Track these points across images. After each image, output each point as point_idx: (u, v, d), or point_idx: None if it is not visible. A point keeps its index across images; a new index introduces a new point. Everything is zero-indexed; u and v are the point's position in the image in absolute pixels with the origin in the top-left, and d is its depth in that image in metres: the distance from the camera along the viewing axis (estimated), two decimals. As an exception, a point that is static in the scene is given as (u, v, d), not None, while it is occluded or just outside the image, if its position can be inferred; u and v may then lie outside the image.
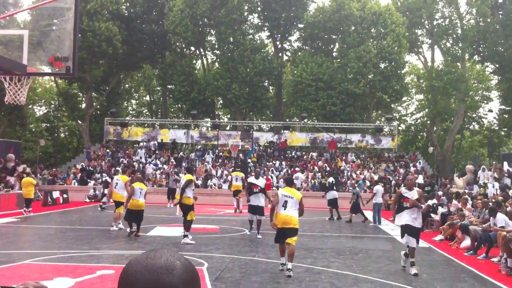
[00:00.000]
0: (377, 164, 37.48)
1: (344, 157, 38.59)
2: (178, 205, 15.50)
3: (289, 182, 11.45)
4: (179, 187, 17.49)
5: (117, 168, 29.91)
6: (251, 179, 16.94)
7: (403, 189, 11.44)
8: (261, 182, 16.59)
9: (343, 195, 31.72)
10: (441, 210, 19.12)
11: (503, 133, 51.09)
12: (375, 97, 46.02)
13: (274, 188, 29.52)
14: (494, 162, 42.67)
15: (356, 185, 27.20)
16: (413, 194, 10.95)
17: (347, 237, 16.87)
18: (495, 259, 12.35)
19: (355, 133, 42.42)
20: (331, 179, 24.43)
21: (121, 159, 37.20)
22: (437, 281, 10.10)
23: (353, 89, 42.62)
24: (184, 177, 15.30)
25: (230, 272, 10.36)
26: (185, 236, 14.29)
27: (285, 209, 10.54)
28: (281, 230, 10.58)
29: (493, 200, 15.92)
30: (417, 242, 10.99)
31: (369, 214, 22.48)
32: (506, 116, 48.54)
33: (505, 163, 27.45)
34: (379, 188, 22.06)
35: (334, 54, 48.37)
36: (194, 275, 1.32)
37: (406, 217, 10.95)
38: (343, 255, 13.05)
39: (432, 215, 19.33)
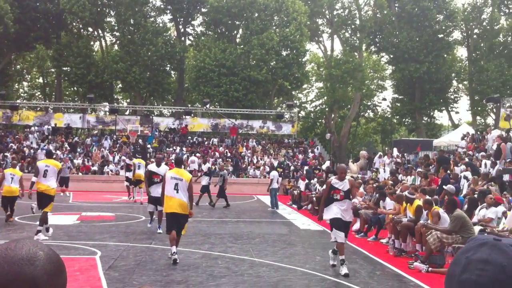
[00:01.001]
0: (277, 150, 38.12)
1: (245, 143, 38.86)
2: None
3: (178, 163, 10.90)
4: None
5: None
6: (152, 167, 14.75)
7: (333, 179, 10.02)
8: (162, 170, 13.86)
9: (244, 180, 32.04)
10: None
11: (395, 120, 53.92)
12: (276, 84, 46.70)
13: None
14: (386, 148, 44.94)
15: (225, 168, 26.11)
16: (344, 185, 9.68)
17: (245, 222, 16.94)
18: (383, 241, 12.89)
19: (257, 120, 42.84)
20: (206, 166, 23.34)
21: (11, 144, 34.97)
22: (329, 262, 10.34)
23: (255, 75, 42.92)
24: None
25: (125, 261, 10.05)
26: (39, 231, 12.24)
27: (177, 192, 10.01)
28: (173, 215, 10.11)
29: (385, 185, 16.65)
30: (346, 237, 9.88)
31: (267, 199, 22.81)
32: (398, 104, 51.23)
33: (395, 149, 28.97)
34: (275, 173, 22.38)
35: (238, 40, 48.41)
36: (59, 265, 1.21)
37: (335, 210, 9.68)
38: (241, 240, 13.07)
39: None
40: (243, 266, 9.73)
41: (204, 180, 21.84)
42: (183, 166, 11.15)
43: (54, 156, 15.16)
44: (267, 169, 33.13)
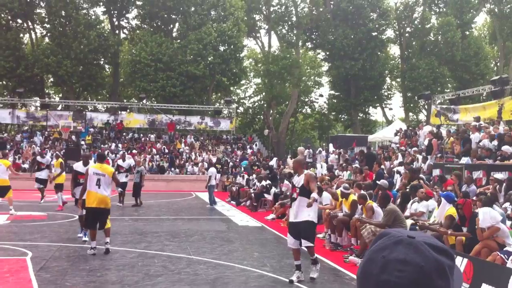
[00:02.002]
0: (215, 146, 37.98)
1: (183, 139, 38.48)
2: None
3: (101, 158, 11.12)
4: None
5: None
6: (77, 166, 12.52)
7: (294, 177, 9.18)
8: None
9: (182, 177, 31.74)
10: (273, 190, 19.86)
11: (332, 116, 54.91)
12: (214, 79, 46.46)
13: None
14: (323, 144, 45.72)
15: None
16: (300, 180, 8.66)
17: (183, 220, 16.76)
18: (320, 235, 13.07)
19: (195, 115, 42.52)
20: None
21: None
22: (267, 258, 10.40)
23: (193, 70, 42.51)
24: None
25: (57, 261, 9.75)
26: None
27: (99, 187, 10.34)
28: (92, 210, 10.41)
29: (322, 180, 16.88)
30: (307, 238, 8.65)
31: (205, 196, 22.66)
32: (335, 101, 52.21)
33: (331, 145, 29.52)
34: (213, 170, 22.28)
35: (174, 34, 47.78)
36: None
37: (291, 213, 8.87)
38: (178, 237, 12.92)
39: (266, 195, 20.00)
40: (180, 264, 9.64)
41: (123, 178, 19.82)
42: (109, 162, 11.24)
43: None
44: (206, 165, 32.96)
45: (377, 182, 14.29)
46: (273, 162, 29.93)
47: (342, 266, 9.81)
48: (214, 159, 32.99)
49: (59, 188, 18.25)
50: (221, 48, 44.94)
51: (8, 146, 31.23)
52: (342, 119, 53.14)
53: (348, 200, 11.90)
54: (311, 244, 8.63)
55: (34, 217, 16.30)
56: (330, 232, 12.13)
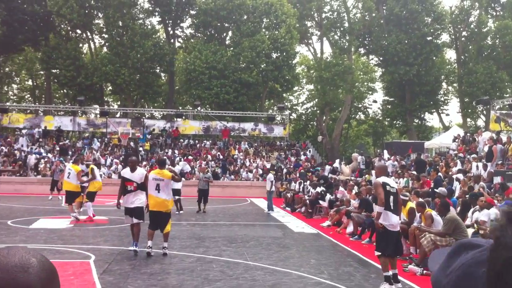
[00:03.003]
0: (269, 152, 38.15)
1: (237, 146, 38.86)
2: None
3: (161, 164, 11.65)
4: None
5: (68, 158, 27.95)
6: (125, 172, 11.84)
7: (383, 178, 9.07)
8: (137, 175, 11.44)
9: (237, 183, 32.01)
10: (328, 196, 19.79)
11: (386, 123, 54.16)
12: (267, 86, 46.77)
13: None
14: (378, 151, 45.11)
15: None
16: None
17: (239, 225, 16.91)
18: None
19: (248, 122, 42.89)
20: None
21: (1, 147, 34.72)
22: (324, 265, 10.37)
23: (246, 78, 42.96)
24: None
25: (119, 264, 9.98)
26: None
27: (158, 192, 10.85)
28: (153, 213, 10.93)
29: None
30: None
31: (260, 202, 22.79)
32: (389, 106, 51.46)
33: (385, 151, 29.10)
34: (271, 176, 22.37)
35: (228, 42, 48.40)
36: (52, 272, 1.19)
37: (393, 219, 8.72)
38: (235, 243, 13.05)
39: (321, 201, 19.95)
40: (238, 270, 9.71)
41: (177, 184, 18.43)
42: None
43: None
44: (260, 171, 33.17)
45: (435, 190, 14.02)
46: (327, 171, 29.71)
47: (402, 275, 9.66)
48: (268, 165, 33.15)
49: (89, 197, 17.15)
50: (274, 55, 45.21)
51: (70, 152, 32.39)
52: (397, 125, 52.31)
53: (406, 208, 11.73)
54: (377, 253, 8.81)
55: (96, 221, 16.80)
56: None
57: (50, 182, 26.89)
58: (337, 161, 31.68)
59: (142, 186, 11.29)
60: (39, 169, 31.48)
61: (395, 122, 51.87)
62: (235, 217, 19.45)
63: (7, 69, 54.19)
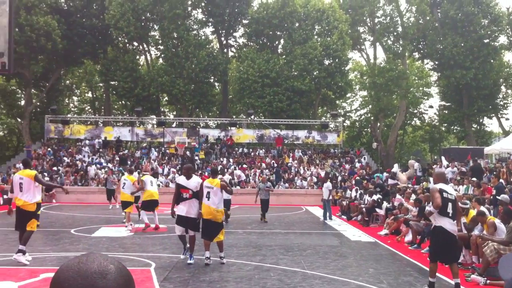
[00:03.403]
0: (323, 160, 37.97)
1: (291, 154, 38.89)
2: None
3: (214, 173, 11.71)
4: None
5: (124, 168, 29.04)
6: (180, 180, 11.51)
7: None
8: (193, 183, 11.20)
9: (292, 191, 32.00)
10: (385, 204, 19.51)
11: (443, 128, 52.84)
12: (320, 93, 46.63)
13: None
14: (435, 157, 44.08)
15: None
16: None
17: (295, 234, 16.92)
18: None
19: (302, 130, 42.87)
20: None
21: (64, 157, 36.09)
22: (383, 275, 10.24)
23: (299, 85, 43.00)
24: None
25: (179, 272, 10.16)
26: (20, 251, 11.06)
27: (208, 200, 10.86)
28: (206, 221, 10.95)
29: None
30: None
31: (315, 210, 22.67)
32: (446, 112, 50.21)
33: (443, 158, 28.40)
34: (329, 184, 22.26)
35: (280, 50, 48.61)
36: (129, 278, 1.27)
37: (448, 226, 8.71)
38: (292, 251, 13.06)
39: (377, 209, 19.70)
40: (296, 279, 9.70)
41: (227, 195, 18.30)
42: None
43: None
44: (314, 179, 33.05)
45: (497, 197, 13.60)
46: (383, 178, 29.24)
47: (464, 285, 9.44)
48: (322, 173, 33.01)
49: (146, 207, 17.31)
50: (326, 62, 45.05)
51: (129, 162, 33.28)
52: (454, 131, 50.95)
53: (468, 216, 11.43)
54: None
55: (151, 229, 17.13)
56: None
57: (106, 192, 27.79)
58: (396, 165, 31.18)
59: (197, 195, 11.06)
60: (100, 179, 32.50)
61: (452, 127, 50.53)
62: (291, 226, 19.46)
63: (67, 81, 56.27)
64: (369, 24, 50.86)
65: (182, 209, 11.16)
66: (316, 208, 27.19)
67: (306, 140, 42.18)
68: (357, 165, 36.79)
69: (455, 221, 8.56)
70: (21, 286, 8.84)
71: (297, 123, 42.87)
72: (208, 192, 10.80)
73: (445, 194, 8.41)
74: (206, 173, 29.26)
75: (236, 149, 40.06)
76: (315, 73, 44.27)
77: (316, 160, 37.90)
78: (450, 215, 8.39)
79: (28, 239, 11.09)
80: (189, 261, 11.07)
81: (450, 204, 8.38)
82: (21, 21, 37.52)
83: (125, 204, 17.23)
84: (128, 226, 17.00)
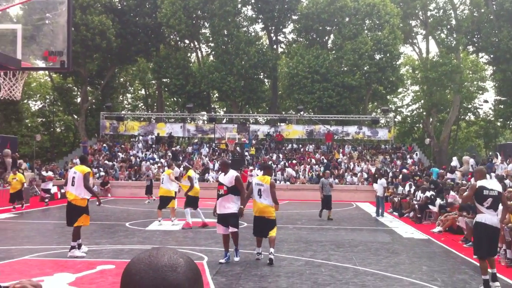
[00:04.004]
0: (374, 156, 37.55)
1: (341, 150, 38.64)
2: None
3: (264, 169, 11.54)
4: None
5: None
6: (219, 176, 11.32)
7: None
8: (227, 178, 10.78)
9: (342, 187, 31.83)
10: (438, 201, 19.17)
11: (499, 123, 51.23)
12: (370, 88, 46.07)
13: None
14: (490, 153, 42.82)
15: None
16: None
17: (346, 230, 16.87)
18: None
19: (352, 125, 42.49)
20: None
21: (118, 153, 37.12)
22: (437, 272, 10.11)
23: (349, 81, 42.62)
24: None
25: (230, 266, 10.33)
26: (73, 247, 11.31)
27: (260, 197, 10.78)
28: (257, 219, 10.91)
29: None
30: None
31: (366, 206, 22.48)
32: (502, 106, 48.67)
33: (498, 154, 27.58)
34: (383, 181, 22.01)
35: (329, 46, 48.28)
36: (197, 272, 1.31)
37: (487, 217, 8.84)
38: (343, 247, 13.05)
39: (430, 206, 19.38)
40: (347, 275, 9.71)
41: None
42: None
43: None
44: (365, 175, 32.76)
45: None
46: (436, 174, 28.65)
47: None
48: (373, 169, 32.67)
49: (189, 203, 16.49)
50: (377, 57, 44.41)
51: (180, 158, 33.89)
52: (510, 126, 49.28)
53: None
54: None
55: (207, 223, 17.38)
56: (505, 247, 11.42)
57: (145, 187, 28.29)
58: (454, 158, 30.49)
59: (234, 190, 10.62)
60: (152, 174, 33.26)
61: (508, 122, 48.89)
62: (341, 221, 19.40)
63: (121, 79, 57.70)
64: (421, 17, 49.79)
65: (219, 207, 10.83)
66: (367, 204, 26.96)
67: (356, 135, 41.81)
68: (409, 161, 36.19)
69: (496, 213, 8.58)
70: (79, 277, 9.16)
71: (347, 119, 42.52)
72: (259, 190, 10.73)
73: (485, 192, 8.51)
74: (253, 168, 29.46)
75: (286, 144, 40.14)
76: (365, 68, 43.75)
77: (367, 156, 37.52)
78: (489, 208, 8.46)
79: (77, 235, 11.29)
80: (235, 258, 10.89)
81: (490, 200, 8.46)
82: (77, 20, 38.73)
83: (162, 199, 17.10)
84: (174, 221, 17.16)
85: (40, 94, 55.71)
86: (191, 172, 16.83)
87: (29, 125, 54.64)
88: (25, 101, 51.09)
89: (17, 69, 6.02)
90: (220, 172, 11.73)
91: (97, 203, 12.64)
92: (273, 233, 10.77)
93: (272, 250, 10.73)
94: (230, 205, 10.62)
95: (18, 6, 7.35)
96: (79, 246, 11.35)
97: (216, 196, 10.98)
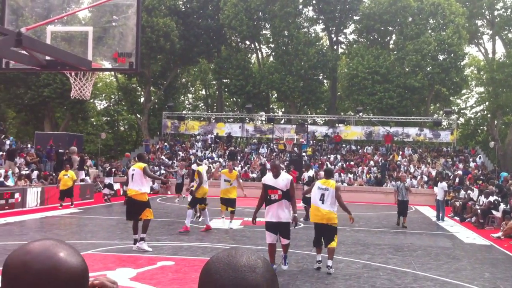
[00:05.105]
0: (435, 158, 36.68)
1: (400, 152, 37.97)
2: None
3: (328, 174, 10.63)
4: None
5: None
6: (266, 179, 9.86)
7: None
8: (282, 182, 9.60)
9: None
10: (502, 206, 18.59)
11: None
12: (433, 90, 45.02)
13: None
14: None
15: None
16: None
17: (405, 234, 16.63)
18: None
19: (412, 127, 41.63)
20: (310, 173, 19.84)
21: (178, 152, 37.97)
22: (500, 280, 9.87)
23: (411, 82, 41.82)
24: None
25: (288, 266, 10.33)
26: (142, 239, 11.78)
27: (322, 203, 10.05)
28: (319, 226, 10.28)
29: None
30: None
31: (426, 210, 22.04)
32: None
33: None
34: (444, 185, 21.54)
35: (391, 46, 47.53)
36: (274, 274, 1.31)
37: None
38: (401, 251, 12.90)
39: (493, 211, 18.82)
40: (406, 279, 9.60)
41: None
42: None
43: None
44: (425, 178, 32.09)
45: None
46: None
47: None
48: (433, 172, 31.95)
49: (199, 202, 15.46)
50: (441, 57, 43.36)
51: (239, 157, 34.29)
52: None
53: None
54: None
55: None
56: None
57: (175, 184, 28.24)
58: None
59: (287, 195, 9.54)
60: (211, 172, 33.76)
61: None
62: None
63: (183, 80, 58.91)
64: (487, 16, 48.21)
65: (271, 214, 9.61)
66: (427, 208, 26.43)
67: (417, 137, 40.93)
68: (472, 164, 35.14)
69: None
70: (140, 272, 9.44)
71: (407, 120, 41.72)
72: (323, 194, 10.02)
73: None
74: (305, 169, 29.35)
75: (344, 146, 39.83)
76: (428, 69, 42.81)
77: (427, 158, 36.69)
78: None
79: (147, 227, 11.84)
80: (283, 267, 10.13)
81: None
82: (142, 22, 39.77)
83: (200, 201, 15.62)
84: (224, 218, 16.80)
85: (105, 93, 57.78)
86: (201, 169, 15.41)
87: (95, 123, 56.76)
88: (91, 100, 53.03)
89: (88, 70, 6.28)
90: (266, 175, 10.22)
91: (163, 184, 13.08)
92: (334, 243, 10.09)
93: (330, 262, 10.00)
94: (284, 213, 9.50)
95: (87, 9, 7.74)
96: (142, 239, 11.69)
97: (264, 201, 9.76)
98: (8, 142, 28.16)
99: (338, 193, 10.12)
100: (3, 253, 11.10)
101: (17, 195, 20.71)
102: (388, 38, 47.88)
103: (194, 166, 18.81)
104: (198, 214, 17.18)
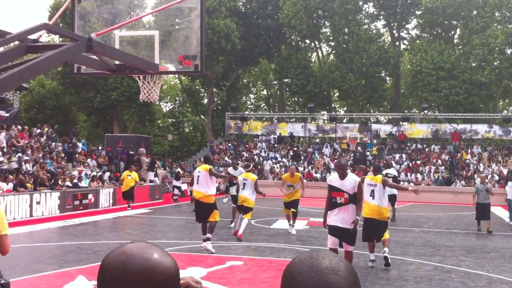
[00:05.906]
0: (505, 156, 35.34)
1: (469, 150, 36.82)
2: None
3: (376, 170, 10.96)
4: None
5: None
6: (332, 180, 9.06)
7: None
8: (348, 184, 8.79)
9: (470, 189, 30.36)
10: None
11: None
12: (502, 85, 43.40)
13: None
14: None
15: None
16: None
17: (476, 235, 16.22)
18: None
19: (481, 124, 40.24)
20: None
21: (242, 152, 38.44)
22: None
23: (478, 78, 40.48)
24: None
25: (356, 267, 10.25)
26: (208, 239, 11.88)
27: (373, 198, 10.30)
28: (368, 221, 10.40)
29: None
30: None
31: (497, 210, 21.32)
32: None
33: None
34: None
35: (456, 41, 46.18)
36: (357, 277, 1.31)
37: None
38: (474, 253, 12.62)
39: None
40: (480, 282, 9.43)
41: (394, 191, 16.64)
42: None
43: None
44: (496, 177, 31.02)
45: None
46: None
47: None
48: (505, 171, 30.82)
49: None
50: (509, 51, 41.76)
51: (302, 157, 34.33)
52: None
53: None
54: None
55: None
56: None
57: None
58: None
59: (354, 199, 8.75)
60: (275, 173, 34.04)
61: None
62: (471, 226, 18.53)
63: (245, 80, 59.46)
64: (560, 6, 45.95)
65: (335, 218, 8.83)
66: (499, 209, 25.54)
67: (486, 135, 39.56)
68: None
69: None
70: (210, 272, 9.69)
71: (475, 117, 40.39)
72: (372, 191, 10.30)
73: None
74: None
75: (409, 144, 39.04)
76: (495, 64, 41.32)
77: (498, 156, 35.40)
78: None
79: (213, 229, 12.01)
80: None
81: None
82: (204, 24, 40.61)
83: (244, 209, 14.14)
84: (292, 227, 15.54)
85: (170, 96, 59.21)
86: (249, 175, 14.82)
87: (161, 125, 58.32)
88: (157, 102, 54.45)
89: (156, 73, 6.46)
90: (331, 175, 9.63)
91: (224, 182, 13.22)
92: (386, 235, 10.35)
93: (386, 249, 10.21)
94: (350, 218, 8.72)
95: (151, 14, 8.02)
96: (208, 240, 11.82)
97: (328, 202, 9.07)
98: (80, 144, 29.40)
99: (386, 183, 10.42)
100: (79, 252, 11.70)
101: (90, 196, 21.65)
102: (452, 32, 46.54)
103: (230, 170, 17.40)
104: (232, 219, 16.40)
